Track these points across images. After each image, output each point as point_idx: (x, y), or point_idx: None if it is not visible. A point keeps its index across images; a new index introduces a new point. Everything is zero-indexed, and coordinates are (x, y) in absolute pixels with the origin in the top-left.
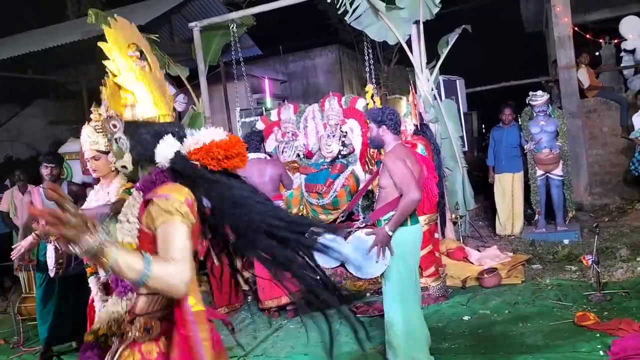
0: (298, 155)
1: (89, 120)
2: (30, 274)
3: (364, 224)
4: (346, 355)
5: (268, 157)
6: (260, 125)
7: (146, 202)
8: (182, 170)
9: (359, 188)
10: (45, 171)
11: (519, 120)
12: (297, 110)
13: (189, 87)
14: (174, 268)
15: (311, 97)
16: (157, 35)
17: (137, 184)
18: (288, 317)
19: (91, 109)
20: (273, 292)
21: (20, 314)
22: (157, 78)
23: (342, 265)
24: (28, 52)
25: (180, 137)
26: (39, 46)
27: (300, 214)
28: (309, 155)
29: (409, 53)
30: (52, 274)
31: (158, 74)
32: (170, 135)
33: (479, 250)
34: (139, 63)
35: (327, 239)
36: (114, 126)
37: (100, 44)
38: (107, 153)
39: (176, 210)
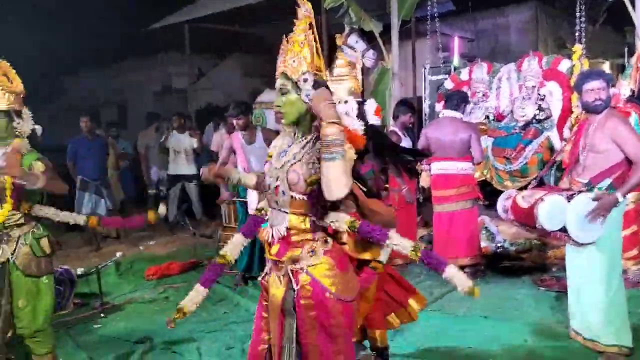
0: (487, 117)
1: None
2: (230, 207)
3: (585, 188)
4: (532, 325)
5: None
6: (448, 84)
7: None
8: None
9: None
10: (235, 122)
11: None
12: (490, 70)
13: (380, 42)
14: (348, 176)
15: (499, 57)
16: None
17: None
18: None
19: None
20: (450, 252)
21: (221, 240)
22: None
23: (563, 229)
24: (233, 7)
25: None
26: (242, 2)
27: (483, 178)
28: (499, 117)
29: (630, 9)
30: (251, 212)
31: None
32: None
33: None
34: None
35: (557, 202)
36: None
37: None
38: None
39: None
